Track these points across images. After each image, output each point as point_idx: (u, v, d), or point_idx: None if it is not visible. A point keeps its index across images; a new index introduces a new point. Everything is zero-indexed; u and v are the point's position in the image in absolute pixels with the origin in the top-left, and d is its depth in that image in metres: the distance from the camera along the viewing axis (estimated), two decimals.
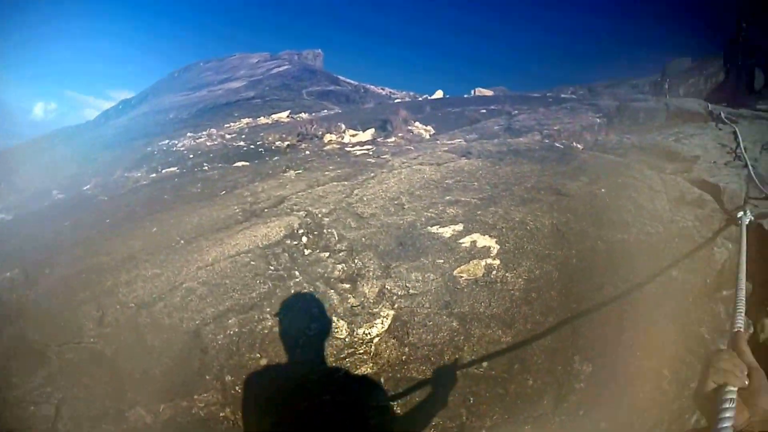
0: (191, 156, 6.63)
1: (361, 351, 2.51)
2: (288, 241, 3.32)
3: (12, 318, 3.75)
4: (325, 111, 8.62)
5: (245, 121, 8.00)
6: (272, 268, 3.07)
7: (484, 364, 2.44)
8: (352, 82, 12.67)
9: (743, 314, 1.19)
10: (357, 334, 2.55)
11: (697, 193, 3.57)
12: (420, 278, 2.77)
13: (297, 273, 2.98)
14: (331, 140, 6.16)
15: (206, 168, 5.83)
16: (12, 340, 3.37)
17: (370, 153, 5.26)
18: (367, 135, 6.22)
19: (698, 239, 3.14)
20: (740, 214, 2.98)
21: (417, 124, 6.44)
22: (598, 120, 4.66)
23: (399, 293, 2.70)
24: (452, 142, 4.86)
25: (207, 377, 2.76)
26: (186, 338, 2.80)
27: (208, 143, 7.11)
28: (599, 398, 2.42)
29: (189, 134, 7.61)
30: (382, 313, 2.62)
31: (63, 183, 7.51)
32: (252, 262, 3.19)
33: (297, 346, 2.57)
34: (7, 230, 5.92)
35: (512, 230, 3.01)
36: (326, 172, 4.51)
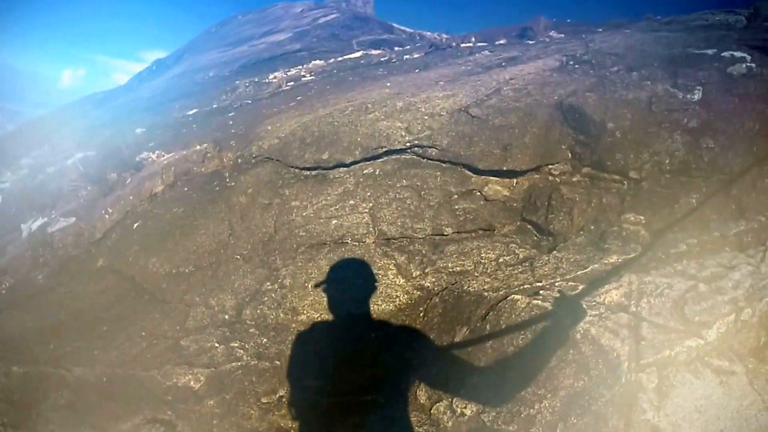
0: (304, 76, 7.94)
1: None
2: (567, 68, 4.89)
3: None
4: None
5: (318, 62, 9.20)
6: (575, 75, 4.63)
7: None
8: (407, 29, 13.97)
9: None
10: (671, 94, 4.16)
11: None
12: (705, 75, 4.45)
13: (606, 72, 4.56)
14: (469, 46, 7.80)
15: (349, 73, 7.22)
16: None
17: (548, 41, 6.99)
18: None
19: None
20: None
21: (553, 32, 8.22)
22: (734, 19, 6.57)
23: (692, 85, 4.34)
24: (606, 36, 6.57)
25: (562, 147, 4.20)
26: (549, 111, 4.23)
27: (314, 70, 8.38)
28: None
29: (253, 79, 8.68)
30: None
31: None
32: (555, 74, 4.72)
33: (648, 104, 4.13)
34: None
35: (755, 52, 4.80)
36: (532, 51, 6.15)
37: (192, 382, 3.25)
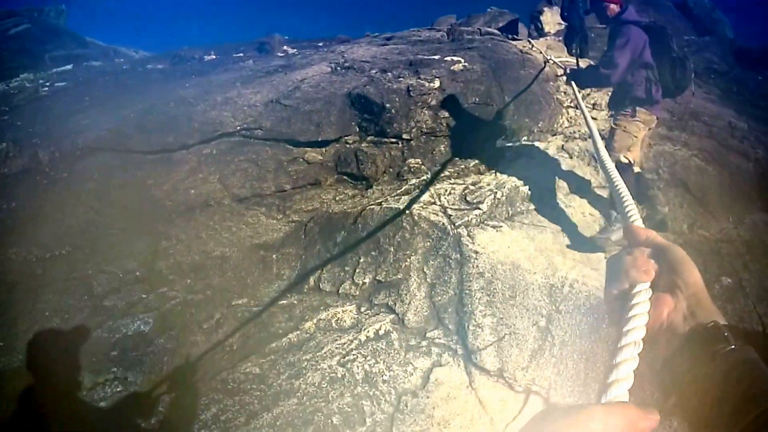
0: (46, 85, 8.59)
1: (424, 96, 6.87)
2: (339, 72, 7.24)
3: None
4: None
5: (24, 76, 9.68)
6: (349, 76, 6.99)
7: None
8: (101, 43, 14.47)
9: (630, 199, 1.32)
10: (420, 84, 6.90)
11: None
12: (438, 71, 7.27)
13: (370, 73, 7.02)
14: (212, 58, 9.49)
15: (120, 78, 8.31)
16: None
17: (299, 53, 9.18)
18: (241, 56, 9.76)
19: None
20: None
21: (286, 47, 10.34)
22: (439, 35, 9.86)
23: (431, 78, 7.14)
24: (348, 48, 9.19)
25: (352, 123, 6.49)
26: (343, 99, 6.47)
27: (48, 80, 8.98)
28: None
29: None
30: (434, 82, 7.02)
31: None
32: (334, 76, 7.01)
33: (407, 92, 6.71)
34: None
35: (465, 56, 7.84)
36: (298, 60, 8.33)
37: (142, 326, 4.04)
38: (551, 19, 14.80)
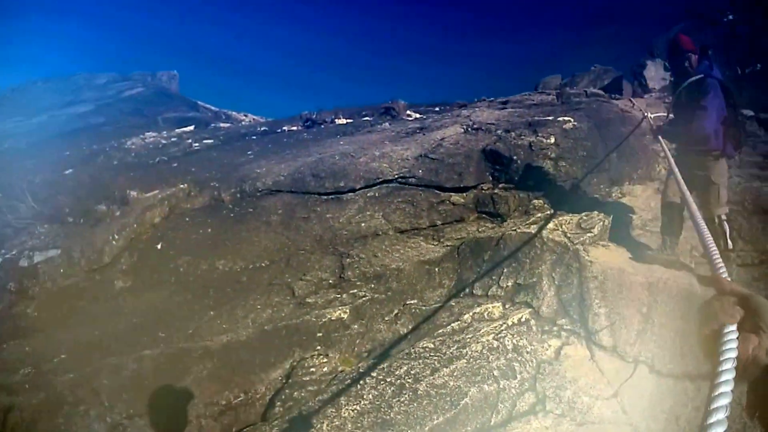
0: (195, 144, 11.34)
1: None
2: (471, 132, 9.49)
3: None
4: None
5: (150, 134, 12.11)
6: (480, 135, 9.23)
7: None
8: (212, 107, 17.04)
9: (717, 254, 1.60)
10: (539, 141, 9.03)
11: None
12: (553, 130, 9.38)
13: (497, 133, 9.24)
14: (345, 122, 11.98)
15: (266, 139, 10.95)
16: None
17: (427, 116, 11.60)
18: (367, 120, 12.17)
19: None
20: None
21: (409, 111, 12.72)
22: (549, 98, 12.02)
23: (548, 135, 9.25)
24: (471, 112, 11.48)
25: (487, 173, 8.65)
26: (479, 153, 8.68)
27: (188, 137, 11.75)
28: None
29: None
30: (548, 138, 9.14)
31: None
32: (468, 135, 9.26)
33: (529, 147, 8.85)
34: None
35: (574, 116, 9.94)
36: (431, 123, 10.70)
37: (342, 314, 5.58)
38: (655, 74, 16.35)
